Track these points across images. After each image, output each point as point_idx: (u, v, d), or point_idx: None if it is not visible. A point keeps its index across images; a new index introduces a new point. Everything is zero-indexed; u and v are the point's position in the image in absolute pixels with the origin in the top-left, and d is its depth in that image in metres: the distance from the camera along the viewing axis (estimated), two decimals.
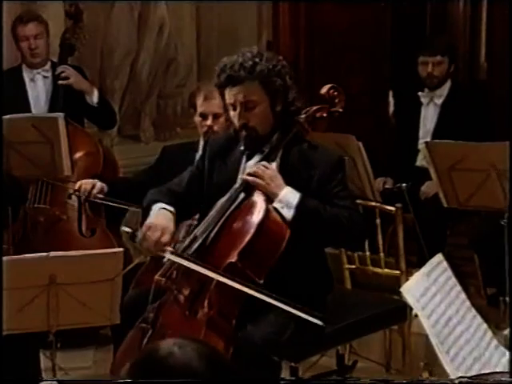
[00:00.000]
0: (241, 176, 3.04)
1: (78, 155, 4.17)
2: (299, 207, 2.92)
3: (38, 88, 4.42)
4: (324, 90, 3.11)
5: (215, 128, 3.68)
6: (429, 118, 4.72)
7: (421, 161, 4.58)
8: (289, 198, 2.93)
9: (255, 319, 2.93)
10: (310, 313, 2.85)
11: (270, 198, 2.94)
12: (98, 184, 3.73)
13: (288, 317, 2.96)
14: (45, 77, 4.41)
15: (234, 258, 2.85)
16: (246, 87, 2.98)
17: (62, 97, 4.28)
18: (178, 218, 3.16)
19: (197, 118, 3.78)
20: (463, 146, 3.79)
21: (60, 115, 3.97)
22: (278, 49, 5.33)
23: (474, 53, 5.54)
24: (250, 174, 2.97)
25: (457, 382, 1.79)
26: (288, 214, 2.92)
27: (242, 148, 3.08)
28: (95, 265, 2.94)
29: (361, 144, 4.15)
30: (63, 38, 4.37)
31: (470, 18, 5.55)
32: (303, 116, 3.06)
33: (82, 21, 4.40)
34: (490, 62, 5.34)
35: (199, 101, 3.72)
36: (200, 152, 3.58)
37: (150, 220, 2.98)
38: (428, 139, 4.44)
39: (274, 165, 2.99)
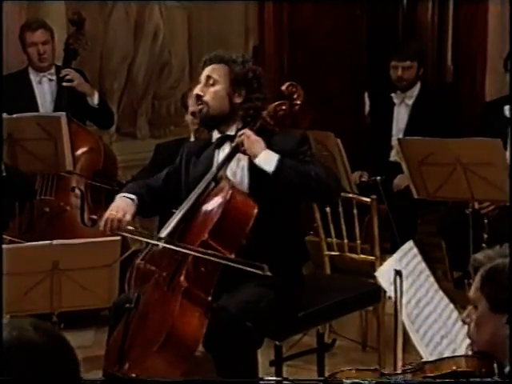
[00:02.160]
0: (214, 167, 3.05)
1: (80, 151, 4.17)
2: (279, 162, 2.93)
3: (44, 89, 4.42)
4: (284, 87, 3.16)
5: None
6: (401, 117, 4.72)
7: (394, 156, 4.59)
8: (270, 155, 2.95)
9: (231, 290, 2.93)
10: (251, 264, 2.82)
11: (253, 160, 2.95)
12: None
13: (264, 288, 2.95)
14: (50, 79, 4.41)
15: (205, 237, 2.87)
16: (214, 67, 3.08)
17: (66, 98, 4.28)
18: (156, 210, 3.26)
19: (188, 117, 3.79)
20: (432, 142, 3.79)
21: (62, 114, 3.97)
22: (264, 53, 5.33)
23: (441, 56, 5.56)
24: (239, 137, 2.99)
25: None
26: (270, 168, 2.93)
27: (214, 141, 3.10)
28: (95, 252, 2.93)
29: (339, 141, 4.15)
30: (67, 43, 4.36)
31: (437, 24, 5.58)
32: (266, 112, 3.08)
33: (84, 28, 4.39)
34: (456, 65, 5.36)
35: (190, 101, 3.73)
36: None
37: (113, 204, 3.05)
38: (400, 136, 4.44)
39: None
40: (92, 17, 4.90)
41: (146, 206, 3.17)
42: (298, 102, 3.15)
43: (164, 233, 2.97)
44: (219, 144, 3.11)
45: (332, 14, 5.37)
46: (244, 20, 5.41)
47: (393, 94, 4.72)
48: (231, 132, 3.08)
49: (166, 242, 2.91)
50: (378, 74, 4.92)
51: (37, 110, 4.31)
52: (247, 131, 3.00)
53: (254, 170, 3.00)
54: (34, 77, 4.41)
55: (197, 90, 3.10)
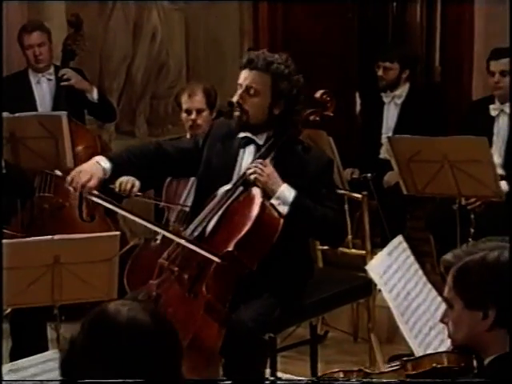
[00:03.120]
0: (238, 167, 2.97)
1: (78, 148, 4.16)
2: (294, 204, 2.86)
3: (43, 89, 4.40)
4: (318, 95, 3.04)
5: (199, 122, 3.69)
6: (390, 116, 4.72)
7: (384, 153, 4.58)
8: (285, 195, 2.87)
9: (246, 303, 2.90)
10: (210, 251, 2.79)
11: (266, 193, 2.87)
12: (137, 183, 3.15)
13: (276, 298, 2.95)
14: (49, 79, 4.39)
15: (231, 247, 2.80)
16: (257, 75, 2.92)
17: (65, 97, 4.26)
18: (159, 174, 3.14)
19: (183, 115, 3.79)
20: (420, 140, 3.79)
21: (63, 113, 3.96)
22: None
23: (429, 58, 5.56)
24: (250, 172, 2.90)
25: None
26: (283, 209, 2.87)
27: (241, 137, 2.99)
28: (94, 246, 2.92)
29: (331, 139, 4.14)
30: (65, 44, 4.35)
31: (426, 26, 5.58)
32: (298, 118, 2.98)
33: (82, 29, 4.37)
34: (443, 66, 5.36)
35: (184, 99, 3.73)
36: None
37: (81, 166, 2.95)
38: (390, 134, 4.44)
39: (271, 166, 2.90)
40: (92, 19, 4.90)
41: (132, 171, 3.04)
42: (331, 114, 3.03)
43: (188, 233, 2.90)
44: (244, 143, 2.99)
45: (324, 16, 5.36)
46: (239, 22, 5.40)
47: (382, 94, 4.71)
48: (260, 140, 2.96)
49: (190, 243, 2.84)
50: (368, 74, 4.92)
51: (35, 109, 4.29)
52: (258, 165, 2.87)
53: None
54: (33, 77, 4.39)
55: (237, 98, 2.93)
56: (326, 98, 3.04)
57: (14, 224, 4.05)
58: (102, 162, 2.94)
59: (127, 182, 3.17)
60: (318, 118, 3.02)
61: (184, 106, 3.72)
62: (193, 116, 3.69)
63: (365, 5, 5.63)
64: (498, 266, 1.68)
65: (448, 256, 1.76)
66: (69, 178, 2.91)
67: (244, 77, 2.95)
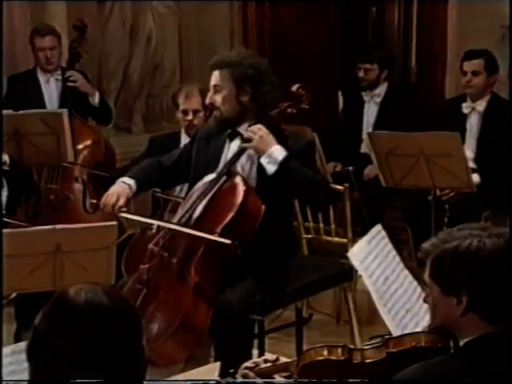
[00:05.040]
0: (224, 158, 2.97)
1: (84, 144, 4.15)
2: (283, 163, 2.84)
3: (51, 89, 4.40)
4: (294, 88, 3.02)
5: (195, 122, 3.66)
6: (370, 113, 4.72)
7: (364, 148, 4.58)
8: (276, 154, 2.85)
9: (233, 284, 2.90)
10: (222, 236, 2.79)
11: (258, 152, 2.85)
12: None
13: (260, 281, 2.94)
14: (57, 79, 4.40)
15: (217, 232, 2.80)
16: (217, 73, 2.96)
17: (71, 96, 4.26)
18: (165, 186, 3.24)
19: (179, 115, 3.76)
20: (398, 135, 3.79)
21: (64, 111, 3.94)
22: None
23: (406, 59, 5.57)
24: (245, 133, 2.90)
25: None
26: (271, 169, 2.85)
27: (226, 133, 3.01)
28: (94, 235, 2.90)
29: (315, 134, 4.14)
30: (71, 47, 4.34)
31: (402, 31, 5.60)
32: (276, 111, 2.98)
33: (86, 33, 4.37)
34: (419, 67, 5.37)
35: (181, 99, 3.70)
36: (182, 141, 3.60)
37: (110, 189, 3.03)
38: (370, 130, 4.44)
39: (266, 130, 2.89)
40: (91, 23, 4.87)
41: (152, 184, 3.16)
42: (306, 106, 3.02)
43: (176, 220, 2.92)
44: (230, 137, 3.00)
45: (309, 20, 5.36)
46: (229, 25, 5.39)
47: (363, 93, 4.72)
48: (243, 130, 2.95)
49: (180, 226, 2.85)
50: (350, 74, 4.92)
51: (44, 107, 4.30)
52: (254, 127, 2.88)
53: (262, 167, 2.90)
54: (42, 77, 4.39)
55: (208, 99, 2.99)
56: (301, 91, 3.03)
57: (20, 214, 4.03)
58: (127, 180, 3.05)
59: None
60: (294, 111, 3.00)
61: (181, 107, 3.70)
62: (189, 117, 3.66)
63: (347, 9, 5.63)
64: (469, 255, 1.67)
65: (426, 245, 1.75)
66: (101, 204, 3.03)
67: (211, 79, 2.99)
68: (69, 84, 4.27)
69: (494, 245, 1.67)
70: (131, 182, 3.05)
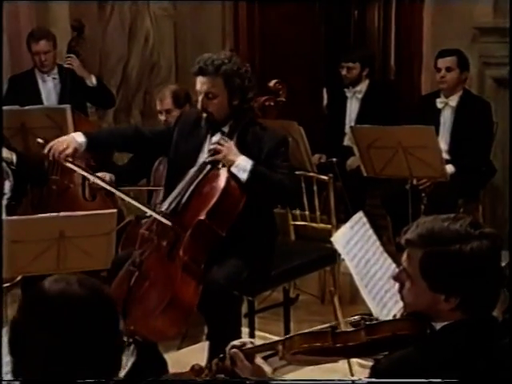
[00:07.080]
0: (207, 148, 2.97)
1: None
2: (252, 171, 2.86)
3: (48, 87, 4.41)
4: (271, 84, 3.06)
5: (169, 120, 3.68)
6: (353, 108, 4.72)
7: (347, 141, 4.58)
8: (244, 164, 2.88)
9: (219, 263, 2.90)
10: (161, 213, 2.88)
11: (227, 163, 2.88)
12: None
13: (245, 260, 2.94)
14: (54, 78, 4.41)
15: (202, 216, 2.82)
16: (211, 80, 2.91)
17: (68, 93, 4.27)
18: (138, 158, 3.32)
19: (161, 117, 3.85)
20: (378, 129, 3.79)
21: (67, 106, 3.94)
22: (238, 54, 5.25)
23: (385, 58, 5.56)
24: (212, 147, 2.92)
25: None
26: (243, 176, 2.87)
27: (207, 126, 3.01)
28: (95, 222, 2.89)
29: (302, 128, 4.13)
30: (69, 46, 4.35)
31: (382, 31, 5.60)
32: (255, 104, 3.00)
33: (84, 32, 4.37)
34: (397, 65, 5.36)
35: (157, 102, 3.86)
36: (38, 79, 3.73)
37: (60, 137, 2.99)
38: (352, 124, 4.43)
39: (232, 142, 2.94)
40: (92, 24, 4.88)
41: (108, 146, 3.15)
42: (283, 99, 3.05)
43: (164, 208, 2.92)
44: (212, 131, 2.99)
45: (296, 21, 5.35)
46: (221, 26, 5.37)
47: (346, 90, 4.71)
48: (225, 129, 2.96)
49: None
50: (333, 72, 4.91)
51: (41, 103, 4.30)
52: (221, 140, 2.90)
53: None
54: (39, 77, 4.42)
55: (200, 105, 2.94)
56: (278, 86, 3.07)
57: (25, 203, 4.01)
58: (78, 137, 2.99)
59: (104, 177, 3.23)
60: (272, 104, 3.04)
61: (157, 108, 3.86)
62: (163, 117, 3.80)
63: (331, 12, 5.63)
64: (462, 260, 1.58)
65: (410, 235, 1.64)
66: (47, 146, 2.93)
67: (200, 84, 2.93)
68: (66, 65, 4.29)
69: (486, 248, 1.58)
70: (82, 139, 2.98)
